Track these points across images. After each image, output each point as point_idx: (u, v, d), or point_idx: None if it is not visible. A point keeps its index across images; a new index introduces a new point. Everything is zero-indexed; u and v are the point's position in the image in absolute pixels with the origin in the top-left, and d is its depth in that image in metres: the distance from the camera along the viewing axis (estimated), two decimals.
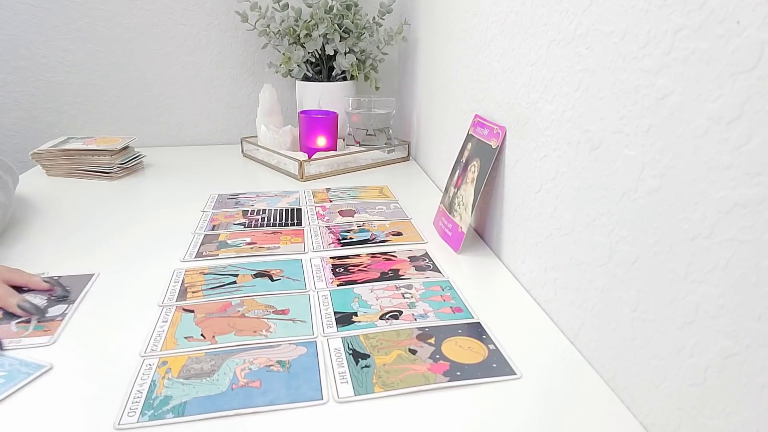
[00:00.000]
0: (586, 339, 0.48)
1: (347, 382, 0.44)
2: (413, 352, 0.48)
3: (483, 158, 0.67)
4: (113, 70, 1.19)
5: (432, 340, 0.50)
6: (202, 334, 0.51)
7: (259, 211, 0.83)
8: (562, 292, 0.52)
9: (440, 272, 0.64)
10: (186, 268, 0.64)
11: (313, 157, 1.02)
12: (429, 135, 1.03)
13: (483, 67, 0.72)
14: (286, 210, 0.84)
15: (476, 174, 0.68)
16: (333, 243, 0.72)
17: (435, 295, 0.58)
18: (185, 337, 0.50)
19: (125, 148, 1.03)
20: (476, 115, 0.73)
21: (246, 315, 0.54)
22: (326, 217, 0.81)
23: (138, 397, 0.42)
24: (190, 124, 1.27)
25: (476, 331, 0.52)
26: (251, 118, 1.28)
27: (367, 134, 1.12)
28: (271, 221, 0.79)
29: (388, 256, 0.68)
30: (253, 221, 0.79)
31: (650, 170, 0.39)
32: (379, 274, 0.63)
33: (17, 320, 0.52)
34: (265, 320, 0.53)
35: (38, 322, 0.52)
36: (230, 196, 0.90)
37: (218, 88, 1.25)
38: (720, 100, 0.32)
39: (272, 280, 0.61)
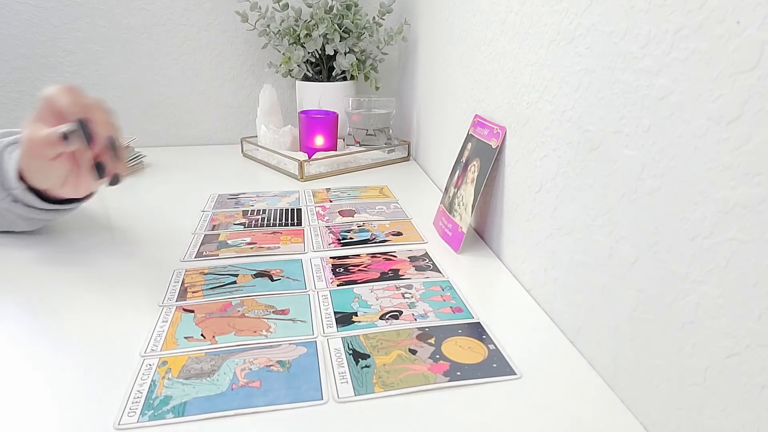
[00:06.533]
0: (586, 339, 0.48)
1: (347, 382, 0.44)
2: (413, 352, 0.48)
3: (483, 158, 0.67)
4: (113, 70, 1.19)
5: (432, 340, 0.50)
6: (202, 334, 0.51)
7: (259, 211, 0.83)
8: (562, 292, 0.52)
9: (440, 272, 0.64)
10: (186, 268, 0.64)
11: (313, 157, 1.02)
12: (429, 135, 1.03)
13: (483, 67, 0.72)
14: (286, 210, 0.84)
15: (476, 174, 0.68)
16: (333, 243, 0.72)
17: (435, 295, 0.58)
18: (185, 337, 0.50)
19: (125, 148, 1.03)
20: (476, 115, 0.73)
21: (246, 315, 0.54)
22: (326, 217, 0.81)
23: (138, 397, 0.42)
24: (190, 124, 1.27)
25: (476, 331, 0.52)
26: (251, 118, 1.28)
27: (367, 134, 1.12)
28: (271, 221, 0.79)
29: (388, 256, 0.68)
30: (253, 221, 0.79)
31: (650, 170, 0.39)
32: (379, 274, 0.63)
33: None
34: (265, 320, 0.53)
35: None
36: (230, 196, 0.90)
37: (218, 88, 1.25)
38: (720, 100, 0.32)
39: (272, 280, 0.61)
